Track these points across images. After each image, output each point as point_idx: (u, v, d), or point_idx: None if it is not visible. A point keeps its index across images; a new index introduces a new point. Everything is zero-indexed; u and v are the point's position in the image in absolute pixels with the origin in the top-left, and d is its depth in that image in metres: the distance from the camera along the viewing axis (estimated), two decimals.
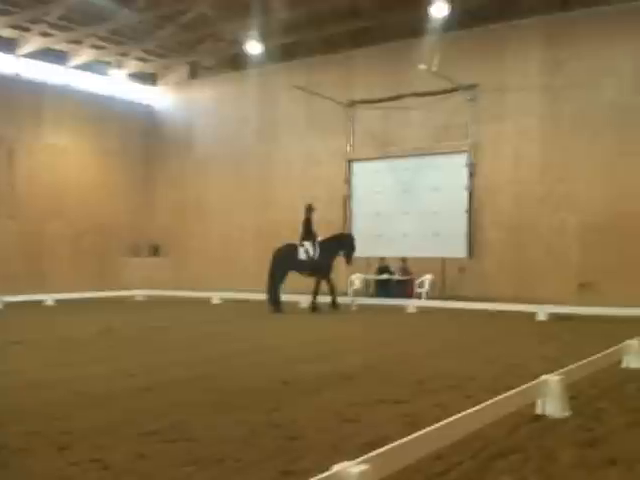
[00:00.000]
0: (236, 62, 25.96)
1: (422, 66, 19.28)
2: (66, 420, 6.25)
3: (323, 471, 3.70)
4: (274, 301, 17.34)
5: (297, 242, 17.61)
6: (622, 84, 18.51)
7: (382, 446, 4.43)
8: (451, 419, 5.03)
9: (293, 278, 17.73)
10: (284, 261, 17.36)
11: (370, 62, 22.63)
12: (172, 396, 7.34)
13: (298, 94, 22.57)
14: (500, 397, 5.68)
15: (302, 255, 17.32)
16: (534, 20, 19.80)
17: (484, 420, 5.41)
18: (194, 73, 27.53)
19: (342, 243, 17.70)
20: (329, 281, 17.47)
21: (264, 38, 22.10)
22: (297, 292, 18.80)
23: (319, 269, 17.30)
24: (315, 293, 17.38)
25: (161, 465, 4.93)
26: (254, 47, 22.37)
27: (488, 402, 5.51)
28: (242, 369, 9.05)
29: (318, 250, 17.30)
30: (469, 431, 5.27)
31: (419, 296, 19.11)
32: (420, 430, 4.75)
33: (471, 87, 20.47)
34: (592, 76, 18.89)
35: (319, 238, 17.66)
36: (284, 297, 17.73)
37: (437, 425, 4.89)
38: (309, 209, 17.93)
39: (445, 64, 19.64)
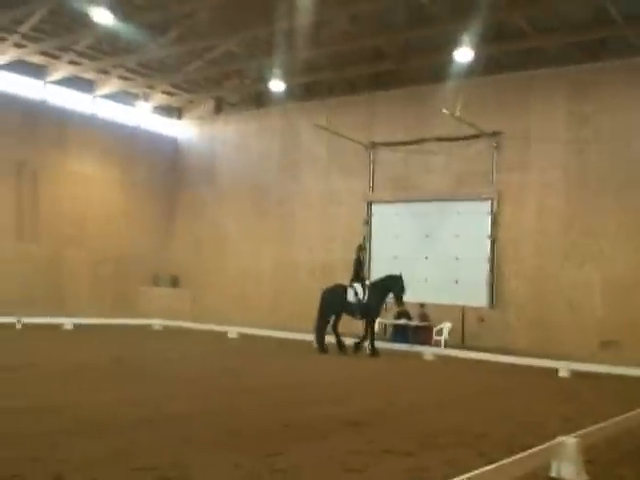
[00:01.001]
0: (259, 99, 26.17)
1: (445, 110, 19.19)
2: (65, 448, 6.13)
3: None
4: (320, 341, 16.82)
5: (347, 283, 16.97)
6: None
7: None
8: (462, 477, 4.77)
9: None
10: (332, 302, 16.78)
11: (392, 105, 22.61)
12: (174, 430, 7.15)
13: (320, 133, 22.61)
14: (514, 457, 5.39)
15: (351, 297, 16.60)
16: (560, 70, 19.60)
17: None
18: (219, 108, 27.74)
19: (392, 284, 16.73)
20: (372, 325, 16.79)
21: (287, 77, 22.25)
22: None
23: (368, 312, 16.60)
24: (368, 337, 16.64)
25: None
26: (277, 85, 22.53)
27: (501, 462, 5.23)
28: (249, 407, 8.81)
29: (367, 292, 16.60)
30: None
31: (437, 344, 18.73)
32: None
33: (495, 134, 20.31)
34: (619, 131, 18.60)
35: (368, 280, 17.17)
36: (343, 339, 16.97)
37: None
38: (360, 249, 17.53)
39: (468, 110, 19.50)
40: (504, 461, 5.26)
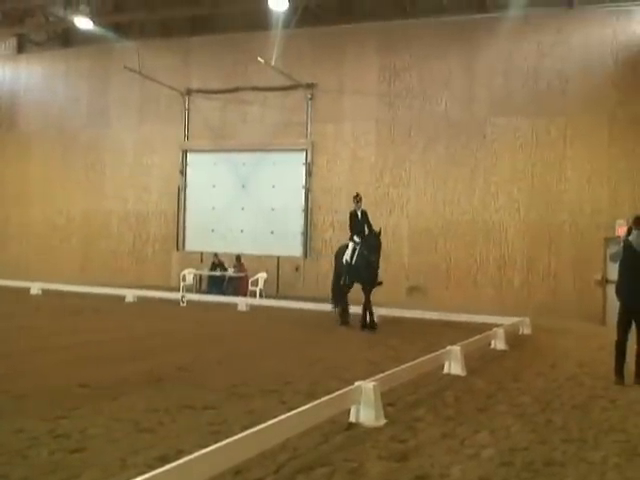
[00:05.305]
0: (67, 39, 24.36)
1: (260, 59, 18.85)
2: None
3: None
4: (339, 311, 14.18)
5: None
6: (454, 98, 19.02)
7: (176, 459, 3.93)
8: (254, 429, 4.59)
9: None
10: (338, 264, 14.24)
11: (208, 51, 21.84)
12: None
13: (132, 77, 21.39)
14: (311, 405, 5.30)
15: (346, 257, 13.81)
16: (372, 25, 19.85)
17: (292, 430, 5.01)
18: (21, 47, 25.49)
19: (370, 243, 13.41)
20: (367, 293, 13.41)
21: (96, 15, 20.78)
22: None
23: (357, 277, 13.57)
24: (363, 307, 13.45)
25: None
26: (85, 23, 20.86)
27: (298, 410, 5.11)
28: (42, 367, 8.14)
29: (357, 253, 13.53)
30: (275, 442, 4.84)
31: (253, 294, 18.66)
32: (223, 441, 4.29)
33: (310, 86, 20.33)
34: (426, 87, 19.27)
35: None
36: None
37: (238, 436, 4.42)
38: (355, 200, 13.98)
39: (285, 61, 19.28)
40: (302, 408, 5.14)
